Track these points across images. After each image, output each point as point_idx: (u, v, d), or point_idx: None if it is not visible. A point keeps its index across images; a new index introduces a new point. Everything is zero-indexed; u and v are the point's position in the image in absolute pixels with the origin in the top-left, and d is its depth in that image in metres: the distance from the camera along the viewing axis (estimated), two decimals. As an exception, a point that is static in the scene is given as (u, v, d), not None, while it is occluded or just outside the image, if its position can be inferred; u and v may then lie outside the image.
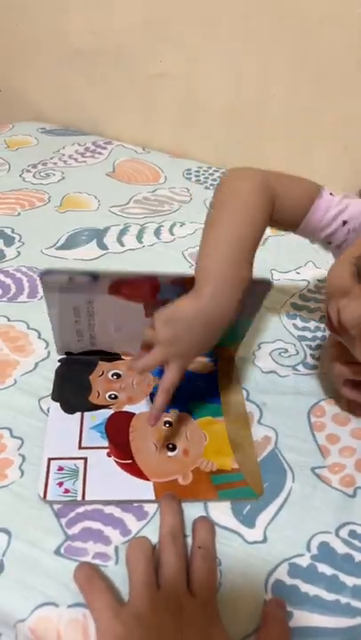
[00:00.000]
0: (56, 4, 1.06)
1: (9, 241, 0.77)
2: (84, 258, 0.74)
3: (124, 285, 0.50)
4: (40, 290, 0.68)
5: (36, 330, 0.62)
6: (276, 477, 0.49)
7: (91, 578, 0.39)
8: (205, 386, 0.56)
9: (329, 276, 0.47)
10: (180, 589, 0.38)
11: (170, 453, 0.49)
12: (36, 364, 0.58)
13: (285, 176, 0.53)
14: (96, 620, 0.37)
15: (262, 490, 0.47)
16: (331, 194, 0.54)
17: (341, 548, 0.44)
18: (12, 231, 0.79)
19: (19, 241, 0.77)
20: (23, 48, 1.16)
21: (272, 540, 0.44)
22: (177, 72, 1.02)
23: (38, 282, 0.60)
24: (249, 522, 0.45)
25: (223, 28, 0.94)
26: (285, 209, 0.52)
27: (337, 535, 0.45)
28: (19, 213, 0.84)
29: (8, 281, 0.69)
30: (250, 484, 0.47)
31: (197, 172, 1.03)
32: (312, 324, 0.66)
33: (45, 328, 0.61)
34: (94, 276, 0.48)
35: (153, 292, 0.50)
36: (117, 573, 0.41)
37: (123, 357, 0.58)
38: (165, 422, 0.52)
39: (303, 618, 0.40)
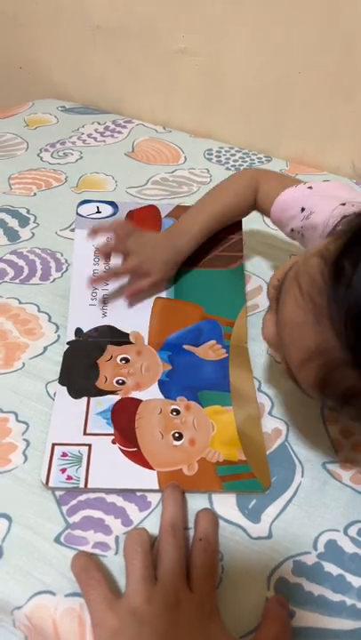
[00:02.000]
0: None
1: (24, 222, 0.76)
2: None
3: (136, 219, 0.64)
4: (53, 272, 0.67)
5: (46, 313, 0.61)
6: (285, 471, 0.47)
7: (87, 568, 0.38)
8: (215, 373, 0.54)
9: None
10: (177, 583, 0.37)
11: (176, 442, 0.48)
12: (45, 348, 0.57)
13: (274, 173, 0.65)
14: (91, 612, 0.36)
15: (270, 483, 0.46)
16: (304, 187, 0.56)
17: (350, 548, 0.43)
18: (28, 212, 0.78)
19: (33, 222, 0.76)
20: (44, 25, 1.14)
21: (277, 536, 0.43)
22: (200, 48, 0.99)
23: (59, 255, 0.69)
24: (254, 516, 0.44)
25: (247, 2, 0.90)
26: (262, 199, 0.61)
27: (346, 534, 0.43)
28: (35, 194, 0.83)
29: (21, 262, 0.69)
30: (257, 476, 0.46)
31: (219, 152, 1.00)
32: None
33: (56, 311, 0.61)
34: (115, 206, 0.66)
35: (157, 226, 0.64)
36: (117, 563, 0.40)
37: (132, 341, 0.57)
38: (173, 410, 0.50)
39: (306, 618, 0.39)
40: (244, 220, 0.66)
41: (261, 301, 0.65)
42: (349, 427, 0.51)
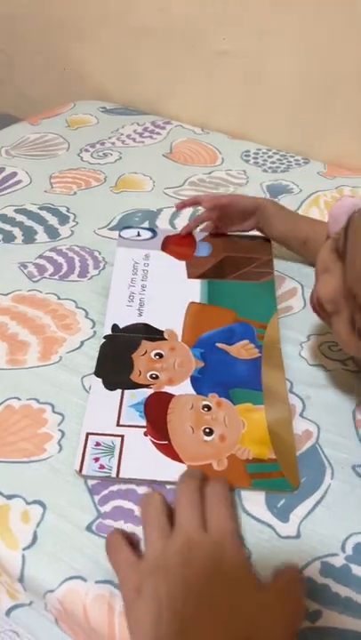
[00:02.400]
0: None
1: (63, 220, 0.78)
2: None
3: (172, 242, 0.70)
4: (90, 270, 0.69)
5: (83, 309, 0.63)
6: (314, 473, 0.48)
7: (117, 542, 0.39)
8: (248, 372, 0.55)
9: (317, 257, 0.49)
10: (190, 527, 0.38)
11: (206, 438, 0.48)
12: (82, 343, 0.59)
13: None
14: (117, 574, 0.38)
15: (299, 483, 0.46)
16: None
17: (378, 552, 0.42)
18: (68, 210, 0.80)
19: (73, 220, 0.78)
20: (89, 26, 1.16)
21: (305, 536, 0.43)
22: (242, 49, 0.99)
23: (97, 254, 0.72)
24: (283, 515, 0.44)
25: (295, 2, 0.90)
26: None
27: (374, 538, 0.43)
28: (75, 192, 0.85)
29: (60, 259, 0.71)
30: (286, 475, 0.46)
31: (256, 154, 1.00)
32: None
33: (92, 308, 0.63)
34: (154, 232, 0.71)
35: (192, 249, 0.69)
36: (146, 555, 0.41)
37: (166, 338, 0.58)
38: (204, 406, 0.51)
39: (332, 618, 0.39)
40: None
41: (295, 303, 0.65)
42: (382, 431, 0.51)
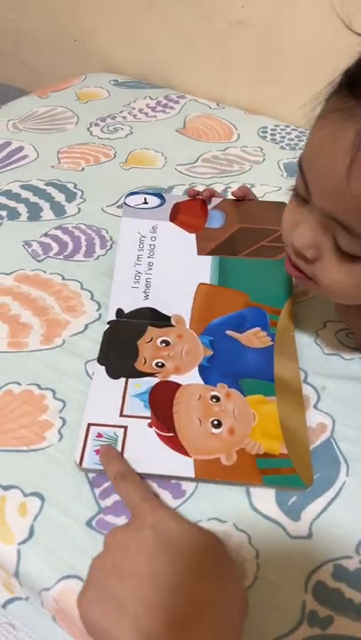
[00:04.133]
0: None
1: (70, 196, 0.75)
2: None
3: (182, 210, 0.64)
4: (97, 249, 0.66)
5: (89, 290, 0.60)
6: (328, 469, 0.45)
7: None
8: (259, 361, 0.52)
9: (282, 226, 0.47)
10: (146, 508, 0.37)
11: (214, 430, 0.46)
12: (86, 326, 0.56)
13: None
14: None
15: (312, 480, 0.43)
16: None
17: (395, 555, 0.40)
18: (75, 187, 0.77)
19: (80, 197, 0.75)
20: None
21: (318, 536, 0.41)
22: (259, 19, 0.94)
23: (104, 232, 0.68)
24: (294, 514, 0.42)
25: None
26: None
27: (392, 540, 0.41)
28: (83, 169, 0.81)
29: (66, 238, 0.68)
30: (299, 472, 0.43)
31: (274, 130, 0.95)
32: None
33: (98, 290, 0.60)
34: (162, 197, 0.65)
35: (203, 218, 0.63)
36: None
37: (173, 324, 0.55)
38: (212, 397, 0.48)
39: (345, 626, 0.37)
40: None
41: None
42: None
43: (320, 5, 0.87)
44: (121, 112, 0.98)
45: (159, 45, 1.09)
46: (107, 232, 0.69)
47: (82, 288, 0.61)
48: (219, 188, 0.78)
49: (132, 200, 0.65)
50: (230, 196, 0.66)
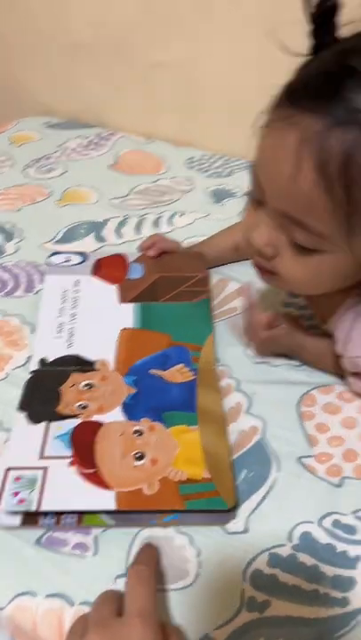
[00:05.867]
0: (55, -4, 1.06)
1: (8, 236, 0.78)
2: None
3: (104, 265, 0.69)
4: (36, 284, 0.69)
5: (30, 324, 0.63)
6: (260, 467, 0.49)
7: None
8: (182, 395, 0.54)
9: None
10: (102, 619, 0.35)
11: (137, 462, 0.47)
12: (28, 358, 0.59)
13: None
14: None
15: (234, 501, 0.45)
16: None
17: (324, 538, 0.44)
18: (13, 226, 0.80)
19: (18, 236, 0.78)
20: (26, 43, 1.16)
21: (253, 530, 0.44)
22: (178, 59, 1.01)
23: (43, 267, 0.71)
24: (230, 512, 0.45)
25: (221, 11, 0.92)
26: None
27: (320, 525, 0.44)
28: (19, 209, 0.85)
29: (6, 276, 0.71)
30: (221, 494, 0.45)
31: (200, 160, 1.01)
32: (307, 312, 0.65)
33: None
34: (83, 256, 0.70)
35: (123, 271, 0.68)
36: (96, 564, 0.42)
37: (97, 368, 0.56)
38: (135, 431, 0.50)
39: (281, 607, 0.40)
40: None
41: (239, 304, 0.66)
42: (324, 422, 0.53)
43: (233, 44, 0.95)
44: (55, 152, 1.02)
45: (87, 87, 1.15)
46: (45, 267, 0.72)
47: (23, 323, 0.63)
48: (151, 219, 0.83)
49: (55, 259, 0.69)
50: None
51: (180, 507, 0.44)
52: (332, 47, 0.40)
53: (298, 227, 0.42)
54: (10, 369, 0.57)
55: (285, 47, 0.44)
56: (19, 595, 0.40)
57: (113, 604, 0.37)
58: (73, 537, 0.43)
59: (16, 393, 0.54)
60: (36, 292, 0.68)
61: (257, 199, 0.46)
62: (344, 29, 0.40)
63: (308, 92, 0.39)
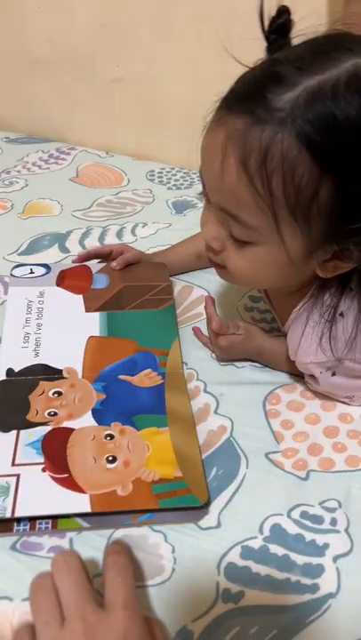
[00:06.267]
0: (12, 12, 1.07)
1: (-29, 249, 0.78)
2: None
3: (68, 276, 0.69)
4: (1, 296, 0.69)
5: (-4, 335, 0.63)
6: (230, 465, 0.50)
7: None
8: (151, 398, 0.55)
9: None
10: (83, 611, 0.34)
11: (109, 465, 0.48)
12: (-4, 368, 0.58)
13: None
14: None
15: (207, 497, 0.46)
16: None
17: (293, 529, 0.45)
18: (-25, 240, 0.80)
19: (-19, 249, 0.78)
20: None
21: (226, 524, 0.46)
22: (135, 75, 1.03)
23: (7, 279, 0.71)
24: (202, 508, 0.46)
25: (178, 28, 0.95)
26: None
27: (289, 517, 0.46)
28: (-19, 222, 0.84)
29: (-30, 289, 0.70)
30: (194, 491, 0.46)
31: (160, 173, 1.04)
32: (268, 316, 0.67)
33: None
34: (47, 267, 0.70)
35: (88, 281, 0.69)
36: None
37: (65, 376, 0.57)
38: (106, 435, 0.51)
39: (255, 597, 0.41)
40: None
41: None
42: (289, 419, 0.55)
43: (190, 61, 0.98)
44: (15, 166, 1.03)
45: (46, 103, 1.16)
46: (9, 278, 0.72)
47: (-12, 333, 0.63)
48: (115, 230, 0.84)
49: (19, 271, 0.70)
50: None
51: (154, 506, 0.45)
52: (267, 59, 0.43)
53: (233, 220, 0.45)
54: (-23, 379, 0.57)
55: (242, 63, 0.46)
56: (-5, 600, 0.40)
57: (52, 594, 0.36)
58: (48, 540, 0.43)
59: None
60: (1, 304, 0.68)
61: (207, 197, 0.48)
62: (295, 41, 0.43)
63: (238, 96, 0.43)
